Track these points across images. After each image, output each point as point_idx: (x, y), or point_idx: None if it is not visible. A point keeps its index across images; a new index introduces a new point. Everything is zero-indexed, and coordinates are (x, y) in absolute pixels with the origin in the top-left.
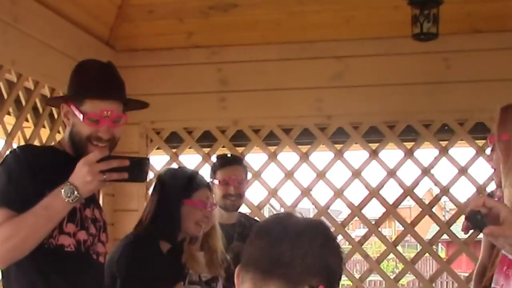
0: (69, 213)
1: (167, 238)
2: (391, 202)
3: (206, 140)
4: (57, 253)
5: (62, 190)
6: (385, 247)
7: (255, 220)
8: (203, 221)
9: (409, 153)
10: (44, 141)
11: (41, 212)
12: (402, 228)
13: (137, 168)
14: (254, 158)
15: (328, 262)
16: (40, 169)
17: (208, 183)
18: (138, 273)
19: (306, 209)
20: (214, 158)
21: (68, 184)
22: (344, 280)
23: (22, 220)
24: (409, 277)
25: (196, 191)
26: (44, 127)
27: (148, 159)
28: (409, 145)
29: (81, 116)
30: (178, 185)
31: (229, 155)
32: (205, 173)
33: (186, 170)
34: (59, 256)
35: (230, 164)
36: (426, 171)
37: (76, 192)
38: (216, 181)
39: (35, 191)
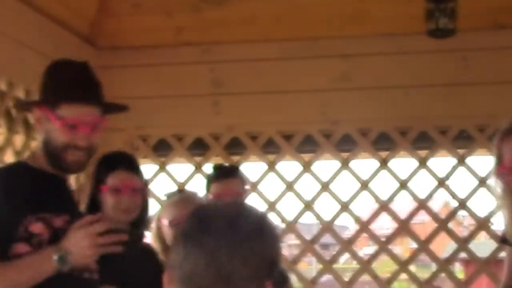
0: (51, 235)
1: None
2: (403, 217)
3: (198, 148)
4: None
5: (55, 257)
6: (397, 267)
7: None
8: (124, 208)
9: (423, 163)
10: (18, 149)
11: (25, 270)
12: (416, 246)
13: (131, 243)
14: (251, 168)
15: (270, 256)
16: (14, 197)
17: (128, 163)
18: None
19: (309, 224)
20: (208, 169)
21: (63, 250)
22: None
23: (2, 273)
24: None
25: (110, 175)
26: (18, 133)
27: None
28: (423, 153)
29: (57, 122)
30: (95, 170)
31: (225, 166)
32: (197, 184)
33: (105, 154)
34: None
35: (225, 176)
36: (442, 183)
37: (69, 261)
38: (209, 196)
39: (12, 222)
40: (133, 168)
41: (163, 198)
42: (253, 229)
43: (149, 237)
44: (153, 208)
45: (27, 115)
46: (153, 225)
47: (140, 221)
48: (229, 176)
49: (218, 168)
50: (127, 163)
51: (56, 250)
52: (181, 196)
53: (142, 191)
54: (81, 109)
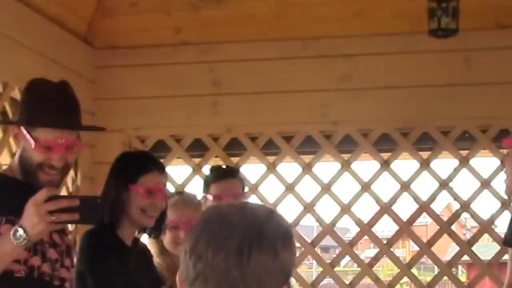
0: None
1: (109, 226)
2: (405, 219)
3: (196, 149)
4: (6, 279)
5: (11, 233)
6: (398, 270)
7: None
8: (150, 210)
9: (425, 164)
10: (15, 151)
11: None
12: (418, 249)
13: (89, 209)
14: (251, 169)
15: (285, 266)
16: None
17: (160, 166)
18: (100, 264)
19: (310, 227)
20: (207, 170)
21: (18, 226)
22: None
23: None
24: None
25: (143, 176)
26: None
27: (100, 198)
28: (425, 154)
29: (32, 143)
30: (124, 168)
31: (224, 167)
32: (196, 186)
33: (135, 152)
34: (9, 283)
35: (225, 177)
36: (444, 184)
37: (24, 235)
38: (209, 196)
39: None
40: (164, 171)
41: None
42: (269, 248)
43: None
44: None
45: None
46: None
47: (158, 226)
48: (228, 177)
49: (216, 169)
50: (159, 165)
51: (13, 228)
52: (180, 199)
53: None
54: (57, 133)
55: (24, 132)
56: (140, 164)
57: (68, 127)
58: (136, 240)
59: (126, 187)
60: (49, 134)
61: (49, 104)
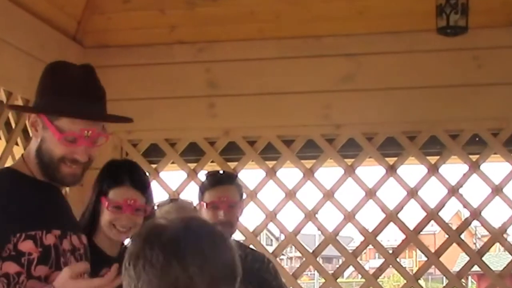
0: (41, 253)
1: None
2: (411, 228)
3: (192, 153)
4: None
5: None
6: (405, 281)
7: (251, 249)
8: (119, 225)
9: (433, 169)
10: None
11: None
12: (425, 258)
13: None
14: (249, 175)
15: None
16: (2, 212)
17: (136, 180)
18: None
19: (311, 236)
20: (203, 176)
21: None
22: None
23: None
24: None
25: (113, 189)
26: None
27: None
28: (433, 159)
29: (56, 133)
30: (100, 178)
31: (220, 172)
32: (191, 192)
33: (117, 162)
34: None
35: (221, 183)
36: (453, 191)
37: None
38: (201, 203)
39: (0, 239)
40: (140, 184)
41: (155, 207)
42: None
43: None
44: None
45: (9, 118)
46: None
47: None
48: (225, 183)
49: (213, 175)
50: (135, 178)
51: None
52: (174, 206)
53: (144, 211)
54: (84, 123)
55: (46, 121)
56: (112, 176)
57: (97, 118)
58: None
59: (98, 198)
60: (75, 124)
61: (76, 91)
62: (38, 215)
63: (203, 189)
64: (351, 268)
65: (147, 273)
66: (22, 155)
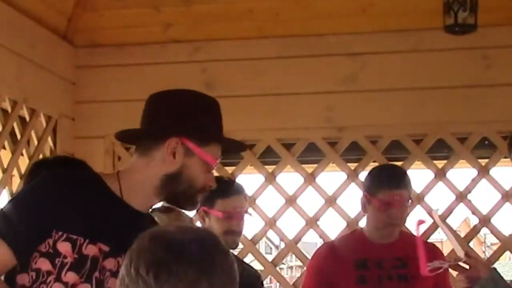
0: (75, 260)
1: None
2: (418, 235)
3: None
4: None
5: None
6: None
7: (246, 263)
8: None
9: (440, 174)
10: None
11: None
12: None
13: None
14: (248, 180)
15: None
16: (60, 204)
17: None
18: None
19: (313, 244)
20: None
21: None
22: None
23: None
24: None
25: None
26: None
27: None
28: (440, 164)
29: (211, 161)
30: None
31: (232, 181)
32: None
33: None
34: None
35: (237, 193)
36: (461, 197)
37: None
38: (214, 212)
39: (44, 230)
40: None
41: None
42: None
43: None
44: None
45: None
46: None
47: None
48: (240, 193)
49: (224, 183)
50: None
51: None
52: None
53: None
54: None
55: (195, 148)
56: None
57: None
58: None
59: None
60: (219, 152)
61: (219, 121)
62: (89, 223)
63: (213, 197)
64: None
65: (171, 285)
66: (118, 172)
